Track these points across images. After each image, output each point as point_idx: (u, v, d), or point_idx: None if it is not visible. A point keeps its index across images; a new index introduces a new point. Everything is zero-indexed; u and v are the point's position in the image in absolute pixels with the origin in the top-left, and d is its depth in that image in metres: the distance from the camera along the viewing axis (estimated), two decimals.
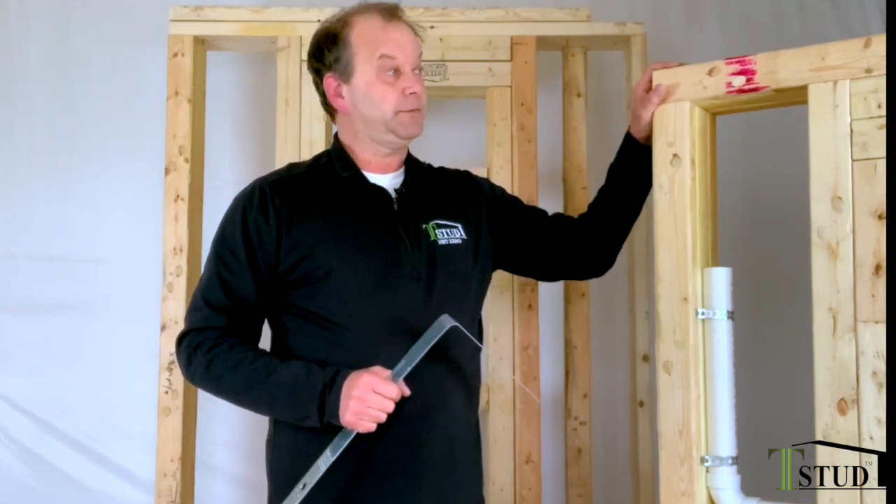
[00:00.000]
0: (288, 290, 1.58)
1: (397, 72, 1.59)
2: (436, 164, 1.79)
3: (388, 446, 1.51)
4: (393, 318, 1.52)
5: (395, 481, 1.52)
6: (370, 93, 1.60)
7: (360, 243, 1.56)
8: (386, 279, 1.54)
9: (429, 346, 1.42)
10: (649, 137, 1.69)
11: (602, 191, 1.83)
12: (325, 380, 1.46)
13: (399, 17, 1.63)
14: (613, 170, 1.81)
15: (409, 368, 1.43)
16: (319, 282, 1.55)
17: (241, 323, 1.59)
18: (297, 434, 1.54)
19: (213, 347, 1.54)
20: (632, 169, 1.75)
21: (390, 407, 1.42)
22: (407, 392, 1.45)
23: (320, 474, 1.44)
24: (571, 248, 1.80)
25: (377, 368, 1.45)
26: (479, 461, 1.68)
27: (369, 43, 1.60)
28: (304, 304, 1.56)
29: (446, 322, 1.44)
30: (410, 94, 1.59)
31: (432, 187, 1.69)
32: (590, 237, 1.80)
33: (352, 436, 1.44)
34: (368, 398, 1.41)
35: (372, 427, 1.43)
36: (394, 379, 1.43)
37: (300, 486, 1.45)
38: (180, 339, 1.60)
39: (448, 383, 1.57)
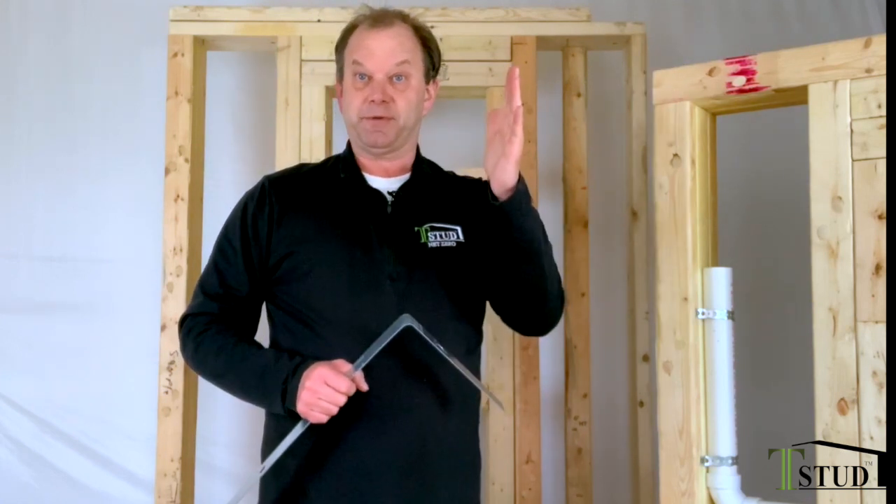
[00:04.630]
0: (275, 284, 1.62)
1: (370, 79, 1.61)
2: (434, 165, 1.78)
3: (357, 444, 1.53)
4: (367, 319, 1.53)
5: (358, 479, 1.53)
6: (344, 97, 1.67)
7: (342, 244, 1.59)
8: (363, 280, 1.56)
9: (384, 343, 1.46)
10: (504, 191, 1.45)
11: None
12: (289, 368, 1.50)
13: (384, 24, 1.63)
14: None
15: (364, 363, 1.46)
16: (302, 279, 1.58)
17: (232, 312, 1.64)
18: (281, 426, 1.55)
19: (202, 332, 1.61)
20: (491, 234, 1.53)
21: (341, 400, 1.44)
22: (364, 387, 1.47)
23: (274, 459, 1.48)
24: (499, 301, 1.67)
25: (338, 361, 1.47)
26: (467, 468, 1.64)
27: (350, 49, 1.65)
28: (289, 300, 1.60)
29: (403, 321, 1.46)
30: (371, 101, 1.60)
31: (435, 191, 1.69)
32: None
33: (305, 426, 1.47)
34: (320, 390, 1.44)
35: (323, 419, 1.45)
36: (352, 371, 1.45)
37: (259, 470, 1.51)
38: (181, 324, 1.67)
39: (421, 385, 1.56)
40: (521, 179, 1.47)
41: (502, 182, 1.43)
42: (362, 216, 1.61)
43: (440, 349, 1.48)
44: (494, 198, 1.45)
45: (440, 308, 1.58)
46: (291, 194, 1.64)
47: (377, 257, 1.57)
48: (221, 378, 1.60)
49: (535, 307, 1.62)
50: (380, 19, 1.64)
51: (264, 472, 1.50)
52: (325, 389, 1.44)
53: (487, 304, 1.71)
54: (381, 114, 1.60)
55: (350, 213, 1.61)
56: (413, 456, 1.54)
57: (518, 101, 1.40)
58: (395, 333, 1.46)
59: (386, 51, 1.61)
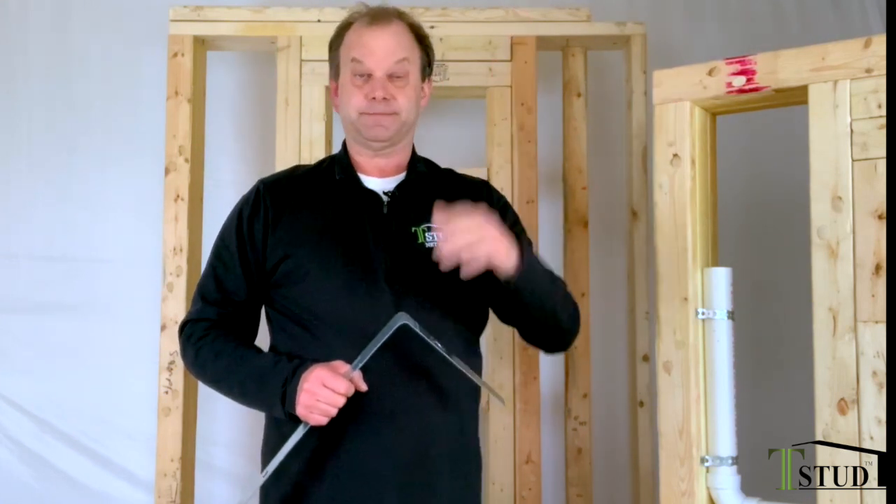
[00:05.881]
0: (273, 288, 1.62)
1: (369, 77, 1.62)
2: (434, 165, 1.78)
3: (357, 444, 1.53)
4: (365, 320, 1.53)
5: (359, 481, 1.53)
6: (343, 94, 1.66)
7: (338, 245, 1.59)
8: (360, 281, 1.56)
9: (380, 342, 1.45)
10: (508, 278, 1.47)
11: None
12: (287, 371, 1.50)
13: (383, 22, 1.64)
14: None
15: (362, 362, 1.45)
16: (299, 282, 1.58)
17: (231, 317, 1.64)
18: (282, 429, 1.55)
19: (202, 338, 1.61)
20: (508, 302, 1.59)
21: (339, 402, 1.44)
22: (363, 387, 1.47)
23: (276, 464, 1.47)
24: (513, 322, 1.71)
25: (336, 363, 1.47)
26: (468, 468, 1.64)
27: (348, 46, 1.66)
28: (286, 303, 1.60)
29: (399, 319, 1.46)
30: (372, 98, 1.61)
31: (433, 190, 1.68)
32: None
33: (306, 428, 1.47)
34: (318, 392, 1.44)
35: (322, 420, 1.45)
36: (350, 372, 1.45)
37: (262, 473, 1.50)
38: (181, 330, 1.67)
39: (421, 386, 1.56)
40: (518, 240, 1.49)
41: (501, 269, 1.44)
42: (358, 217, 1.61)
43: (437, 346, 1.48)
44: (504, 278, 1.46)
45: (438, 308, 1.58)
46: (286, 197, 1.64)
47: (373, 258, 1.57)
48: (221, 383, 1.60)
49: (552, 339, 1.68)
50: (378, 17, 1.64)
51: (267, 476, 1.49)
52: (323, 391, 1.44)
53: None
54: (383, 110, 1.61)
55: (345, 214, 1.61)
56: (413, 457, 1.54)
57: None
58: (391, 332, 1.46)
59: (385, 49, 1.62)
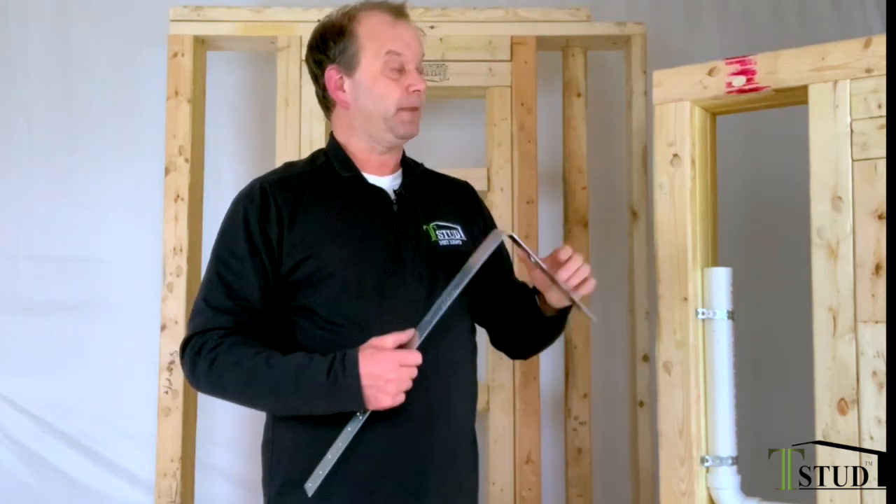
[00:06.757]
0: (291, 290, 1.56)
1: (402, 69, 1.60)
2: (436, 164, 1.78)
3: (395, 448, 1.51)
4: (395, 319, 1.51)
5: (401, 483, 1.51)
6: (374, 87, 1.59)
7: (362, 244, 1.55)
8: (388, 280, 1.53)
9: (481, 261, 1.46)
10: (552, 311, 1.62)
11: (515, 313, 1.74)
12: (340, 369, 1.42)
13: (405, 15, 1.64)
14: (522, 309, 1.71)
15: (453, 295, 1.46)
16: (322, 282, 1.53)
17: (244, 324, 1.55)
18: (298, 435, 1.53)
19: (216, 347, 1.50)
20: (533, 324, 1.70)
21: (414, 373, 1.43)
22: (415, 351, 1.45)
23: (339, 454, 1.44)
24: (493, 326, 1.79)
25: (393, 337, 1.42)
26: (476, 458, 1.67)
27: (377, 38, 1.60)
28: (307, 304, 1.54)
29: (499, 235, 1.50)
30: (414, 91, 1.59)
31: (431, 189, 1.68)
32: (506, 335, 1.78)
33: (365, 416, 1.44)
34: (402, 374, 1.41)
35: (400, 400, 1.43)
36: (420, 332, 1.44)
37: (324, 463, 1.44)
38: (184, 346, 1.56)
39: (451, 384, 1.57)
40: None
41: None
42: (372, 216, 1.58)
43: (534, 257, 1.51)
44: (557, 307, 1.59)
45: (456, 307, 1.57)
46: (297, 197, 1.57)
47: (398, 258, 1.55)
48: (245, 389, 1.49)
49: (532, 352, 1.80)
50: (401, 11, 1.63)
51: (331, 465, 1.43)
52: (405, 371, 1.41)
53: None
54: (416, 104, 1.60)
55: (359, 213, 1.57)
56: (447, 457, 1.55)
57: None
58: (492, 248, 1.47)
59: (416, 41, 1.63)
